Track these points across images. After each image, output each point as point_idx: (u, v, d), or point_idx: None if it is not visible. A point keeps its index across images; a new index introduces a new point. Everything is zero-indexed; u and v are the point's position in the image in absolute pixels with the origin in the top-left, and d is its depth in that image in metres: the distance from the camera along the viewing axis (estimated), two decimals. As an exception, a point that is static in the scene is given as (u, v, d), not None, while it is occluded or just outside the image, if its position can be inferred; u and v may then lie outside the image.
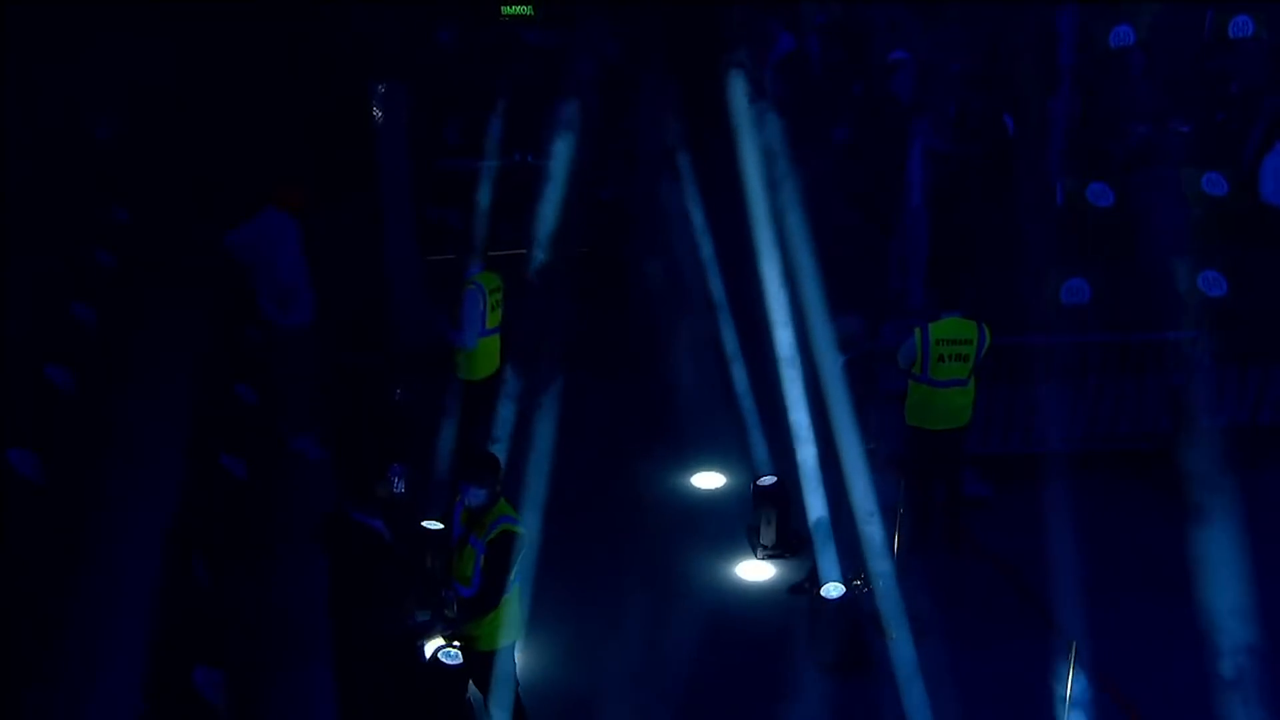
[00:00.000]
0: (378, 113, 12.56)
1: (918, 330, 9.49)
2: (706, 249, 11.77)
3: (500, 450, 9.78)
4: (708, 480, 11.00)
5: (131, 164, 11.59)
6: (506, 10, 14.90)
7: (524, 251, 13.10)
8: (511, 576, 6.99)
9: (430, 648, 7.21)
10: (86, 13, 11.52)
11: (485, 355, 10.09)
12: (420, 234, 12.88)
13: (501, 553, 6.89)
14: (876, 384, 9.87)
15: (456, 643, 7.10)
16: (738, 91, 11.44)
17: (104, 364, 9.09)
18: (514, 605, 7.20)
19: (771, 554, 9.95)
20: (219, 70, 11.89)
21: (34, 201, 9.95)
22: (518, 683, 7.48)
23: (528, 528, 8.26)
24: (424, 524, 8.83)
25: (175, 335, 9.92)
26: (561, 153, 13.52)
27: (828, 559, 9.29)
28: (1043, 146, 13.17)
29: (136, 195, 11.34)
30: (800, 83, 12.92)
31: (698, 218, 11.90)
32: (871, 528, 9.00)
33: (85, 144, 11.55)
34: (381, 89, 12.52)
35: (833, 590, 8.79)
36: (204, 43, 11.96)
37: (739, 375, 11.03)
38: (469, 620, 7.02)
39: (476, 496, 6.99)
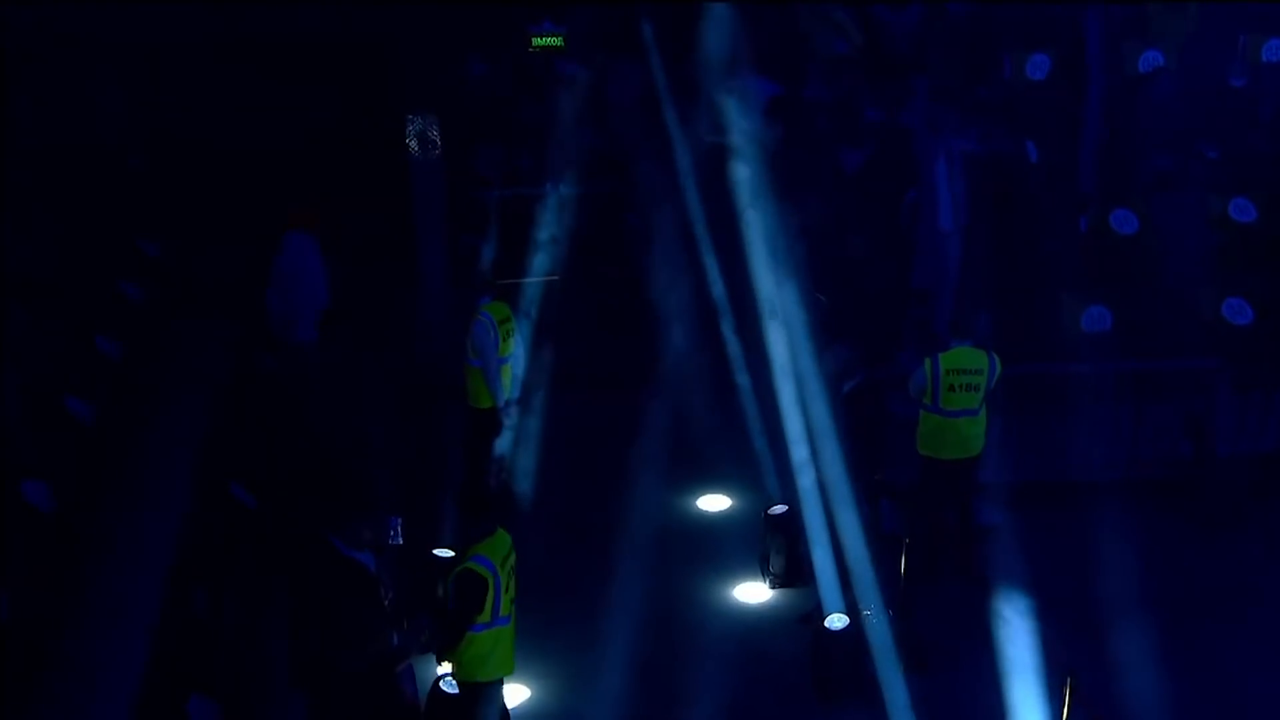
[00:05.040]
0: (412, 143, 12.80)
1: (928, 360, 9.46)
2: (719, 277, 11.83)
3: (508, 477, 9.90)
4: (714, 503, 11.01)
5: (162, 193, 11.81)
6: (537, 41, 15.06)
7: (553, 278, 13.25)
8: (482, 615, 6.89)
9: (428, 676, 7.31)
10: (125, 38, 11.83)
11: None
12: (452, 262, 13.07)
13: (457, 589, 6.85)
14: (886, 412, 9.87)
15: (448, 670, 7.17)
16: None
17: (125, 396, 9.29)
18: (501, 641, 7.09)
19: (782, 583, 9.96)
20: (252, 99, 12.12)
21: (64, 231, 10.21)
22: (508, 716, 7.53)
23: (534, 552, 8.31)
24: (435, 552, 8.97)
25: (197, 365, 10.11)
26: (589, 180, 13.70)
27: (834, 589, 9.29)
28: (1072, 171, 13.07)
29: (166, 224, 11.56)
30: (794, 122, 12.78)
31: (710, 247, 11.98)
32: (878, 557, 9.00)
33: (118, 172, 11.79)
34: (416, 121, 12.76)
35: (837, 621, 8.77)
36: (235, 71, 12.20)
37: (747, 402, 11.05)
38: (436, 650, 7.06)
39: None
